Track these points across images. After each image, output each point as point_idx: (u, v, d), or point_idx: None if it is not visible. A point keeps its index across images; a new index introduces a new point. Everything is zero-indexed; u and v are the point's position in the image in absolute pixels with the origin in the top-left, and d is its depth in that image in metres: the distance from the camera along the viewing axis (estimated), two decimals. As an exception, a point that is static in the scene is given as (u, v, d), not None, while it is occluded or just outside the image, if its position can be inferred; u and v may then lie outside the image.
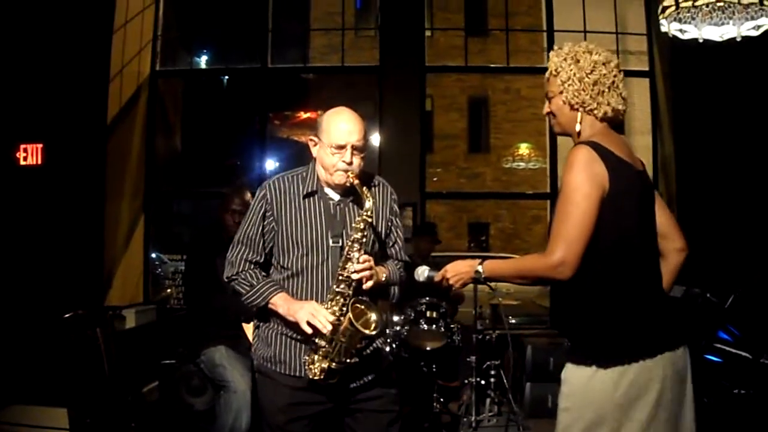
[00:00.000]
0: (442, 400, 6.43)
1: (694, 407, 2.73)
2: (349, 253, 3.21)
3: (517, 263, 2.90)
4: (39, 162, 7.13)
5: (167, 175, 9.96)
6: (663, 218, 2.88)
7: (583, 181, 2.57)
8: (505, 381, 6.70)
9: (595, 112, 2.73)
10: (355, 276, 3.18)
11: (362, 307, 3.19)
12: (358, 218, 3.26)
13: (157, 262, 9.99)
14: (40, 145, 7.13)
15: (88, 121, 7.39)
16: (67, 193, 7.10)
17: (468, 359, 6.48)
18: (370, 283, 3.24)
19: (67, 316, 4.56)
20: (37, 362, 5.48)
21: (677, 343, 2.69)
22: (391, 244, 3.60)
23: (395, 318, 6.40)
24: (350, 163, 3.27)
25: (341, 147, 3.27)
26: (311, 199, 3.39)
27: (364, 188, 3.25)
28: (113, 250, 8.04)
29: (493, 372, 6.67)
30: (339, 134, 3.28)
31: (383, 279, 3.37)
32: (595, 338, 2.63)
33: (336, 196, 3.41)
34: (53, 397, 4.84)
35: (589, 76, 2.71)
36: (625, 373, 2.56)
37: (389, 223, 3.56)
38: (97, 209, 7.54)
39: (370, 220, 3.25)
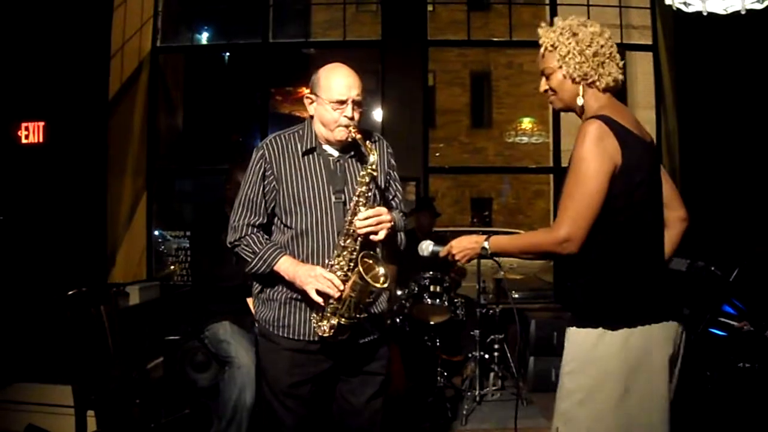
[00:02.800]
0: (445, 374, 6.45)
1: (675, 387, 2.76)
2: (356, 208, 3.20)
3: (523, 239, 2.92)
4: (41, 140, 7.11)
5: (169, 153, 9.93)
6: (666, 188, 2.89)
7: (594, 157, 2.57)
8: (508, 355, 6.73)
9: (598, 83, 2.74)
10: (361, 230, 3.17)
11: (370, 261, 3.18)
12: (362, 172, 3.24)
13: (159, 239, 9.99)
14: (41, 124, 7.12)
15: (89, 99, 7.37)
16: (70, 171, 7.08)
17: (472, 333, 6.50)
18: (381, 234, 3.22)
19: (70, 293, 4.54)
20: (42, 340, 5.49)
21: (678, 316, 2.73)
22: (391, 197, 3.60)
23: (399, 292, 6.40)
24: (352, 118, 3.27)
25: (342, 102, 3.26)
26: (310, 156, 3.38)
27: (367, 142, 3.24)
28: (116, 227, 8.04)
29: (496, 346, 6.70)
30: (339, 89, 3.27)
31: (392, 225, 3.33)
32: (603, 302, 2.66)
33: (335, 152, 3.41)
34: (58, 375, 4.84)
35: (589, 48, 2.72)
36: (631, 336, 2.59)
37: (388, 177, 3.56)
38: (99, 187, 7.53)
39: (374, 174, 3.24)
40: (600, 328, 2.62)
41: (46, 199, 6.95)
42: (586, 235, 2.57)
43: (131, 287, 6.77)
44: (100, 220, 7.58)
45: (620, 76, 2.77)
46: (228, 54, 15.65)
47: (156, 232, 9.34)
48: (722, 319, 4.96)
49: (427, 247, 3.30)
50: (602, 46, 2.72)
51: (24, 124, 7.10)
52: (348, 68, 3.37)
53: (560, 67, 2.77)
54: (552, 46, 2.79)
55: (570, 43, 2.74)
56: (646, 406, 2.62)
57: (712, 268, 5.20)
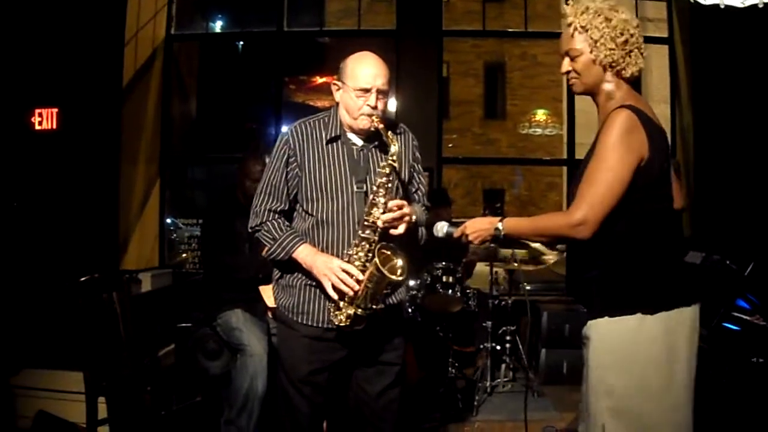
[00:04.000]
0: (457, 365, 6.44)
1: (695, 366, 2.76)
2: (375, 198, 3.19)
3: (537, 221, 2.91)
4: (54, 127, 7.11)
5: (183, 140, 9.93)
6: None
7: (621, 147, 2.58)
8: (520, 347, 6.71)
9: (623, 72, 2.74)
10: (382, 223, 3.16)
11: (388, 252, 3.18)
12: (383, 163, 3.24)
13: (172, 227, 9.99)
14: (55, 110, 7.11)
15: (103, 86, 7.36)
16: (83, 157, 7.09)
17: (484, 324, 6.50)
18: (401, 228, 3.23)
19: (83, 279, 4.56)
20: (53, 326, 5.50)
21: (695, 300, 2.73)
22: (414, 189, 3.61)
23: (411, 282, 6.39)
24: (375, 107, 3.27)
25: (367, 90, 3.26)
26: (334, 144, 3.38)
27: (389, 133, 3.23)
28: (129, 214, 8.05)
29: (508, 338, 6.68)
30: (365, 78, 3.27)
31: (413, 220, 3.33)
32: (635, 288, 2.66)
33: (359, 141, 3.40)
34: (69, 361, 4.86)
35: (621, 35, 2.71)
36: (670, 319, 2.61)
37: (411, 169, 3.56)
38: (112, 174, 7.53)
39: (395, 165, 3.23)
40: (638, 314, 2.61)
41: (59, 186, 6.95)
42: (600, 222, 2.57)
43: (143, 274, 6.80)
44: (113, 207, 7.59)
45: (643, 65, 2.78)
46: (242, 42, 15.59)
47: (168, 220, 9.34)
48: (736, 314, 4.94)
49: (442, 228, 3.31)
50: (632, 35, 2.73)
51: (37, 111, 7.10)
52: (376, 57, 3.37)
53: (591, 51, 2.75)
54: (583, 27, 2.76)
55: (603, 28, 2.72)
56: (687, 384, 2.66)
57: (727, 262, 5.18)
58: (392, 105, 8.54)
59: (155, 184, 8.64)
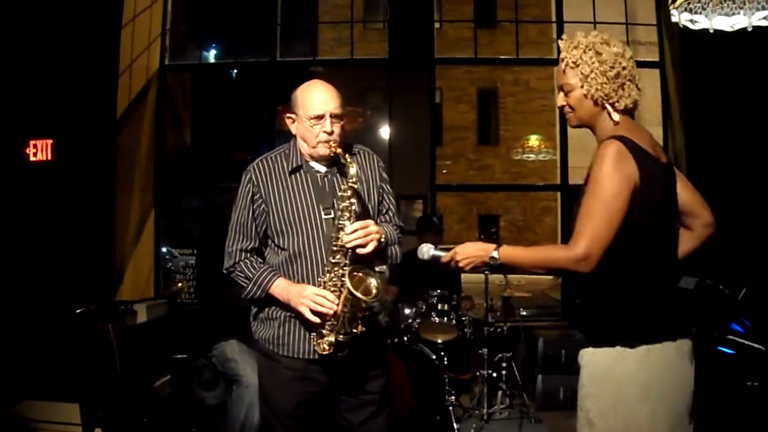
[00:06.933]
0: (453, 392, 6.41)
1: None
2: (340, 222, 3.18)
3: (537, 252, 2.85)
4: (49, 158, 7.15)
5: (177, 170, 9.96)
6: (687, 195, 2.90)
7: (614, 178, 2.55)
8: (516, 373, 6.70)
9: (617, 105, 2.71)
10: (349, 244, 3.15)
11: (360, 274, 3.17)
12: (344, 186, 3.23)
13: (167, 257, 9.99)
14: (50, 141, 7.15)
15: (97, 117, 7.40)
16: (78, 188, 7.11)
17: (479, 352, 6.48)
18: (370, 247, 3.20)
19: (78, 311, 4.56)
20: (49, 357, 5.50)
21: (689, 334, 2.70)
22: (384, 210, 3.57)
23: (407, 311, 6.39)
24: (331, 132, 3.26)
25: (320, 117, 3.26)
26: (297, 174, 3.37)
27: (347, 156, 3.22)
28: (124, 245, 8.06)
29: (504, 364, 6.67)
30: (316, 105, 3.27)
31: (382, 240, 3.30)
32: (619, 321, 2.65)
33: (322, 168, 3.39)
34: (65, 392, 4.85)
35: (612, 69, 2.69)
36: (650, 353, 2.57)
37: (380, 190, 3.53)
38: (107, 204, 7.55)
39: (356, 186, 3.22)
40: (617, 347, 2.60)
41: (54, 217, 6.97)
42: (602, 255, 2.55)
43: (139, 305, 6.77)
44: (108, 238, 7.60)
45: (638, 97, 2.76)
46: (236, 72, 15.66)
47: (163, 249, 9.35)
48: (730, 337, 4.95)
49: (427, 251, 3.18)
50: (624, 68, 2.70)
51: (32, 142, 7.14)
52: (325, 84, 3.37)
53: (582, 86, 2.75)
54: (574, 63, 2.75)
55: (593, 63, 2.70)
56: (673, 422, 2.60)
57: (721, 287, 5.19)
58: (385, 132, 8.58)
59: (150, 213, 8.66)
